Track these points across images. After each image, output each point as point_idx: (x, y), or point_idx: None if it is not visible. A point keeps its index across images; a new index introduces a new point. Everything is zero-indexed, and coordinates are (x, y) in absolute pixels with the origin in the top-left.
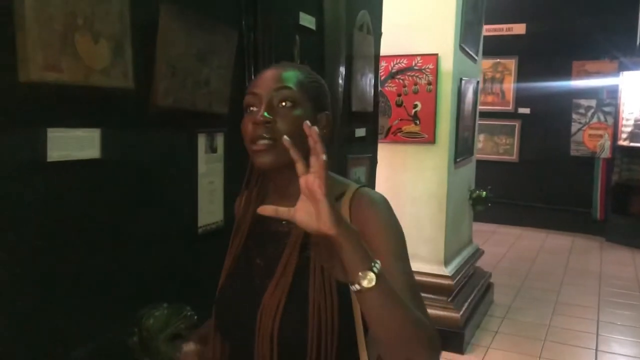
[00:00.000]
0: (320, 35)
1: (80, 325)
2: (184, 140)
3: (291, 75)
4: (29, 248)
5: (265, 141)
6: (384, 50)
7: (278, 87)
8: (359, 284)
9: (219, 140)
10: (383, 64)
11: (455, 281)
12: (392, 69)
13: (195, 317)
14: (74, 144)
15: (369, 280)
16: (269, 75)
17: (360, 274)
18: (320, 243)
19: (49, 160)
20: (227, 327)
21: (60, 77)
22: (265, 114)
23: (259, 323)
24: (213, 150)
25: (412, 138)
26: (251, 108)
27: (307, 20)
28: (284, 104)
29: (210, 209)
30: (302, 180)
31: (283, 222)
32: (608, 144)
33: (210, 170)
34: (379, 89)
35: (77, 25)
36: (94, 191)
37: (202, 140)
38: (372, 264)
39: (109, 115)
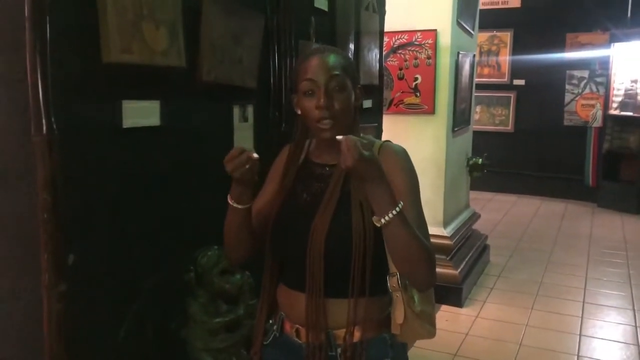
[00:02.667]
0: (332, 16)
1: (148, 262)
2: (222, 111)
3: (337, 63)
4: (110, 199)
5: (328, 121)
6: (387, 26)
7: (331, 75)
8: (385, 217)
9: (249, 110)
10: (385, 39)
11: (453, 241)
12: (393, 44)
13: None
14: (141, 113)
15: (390, 216)
16: (320, 63)
17: (388, 210)
18: (359, 183)
19: (124, 126)
20: (282, 247)
21: (132, 58)
22: (325, 99)
23: (311, 241)
24: (245, 119)
25: (413, 109)
26: (309, 92)
27: (321, 3)
28: (336, 89)
29: None
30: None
31: (326, 168)
32: (600, 113)
33: (242, 136)
34: (383, 63)
35: (144, 14)
36: (156, 152)
37: (236, 111)
38: (397, 204)
39: (166, 89)
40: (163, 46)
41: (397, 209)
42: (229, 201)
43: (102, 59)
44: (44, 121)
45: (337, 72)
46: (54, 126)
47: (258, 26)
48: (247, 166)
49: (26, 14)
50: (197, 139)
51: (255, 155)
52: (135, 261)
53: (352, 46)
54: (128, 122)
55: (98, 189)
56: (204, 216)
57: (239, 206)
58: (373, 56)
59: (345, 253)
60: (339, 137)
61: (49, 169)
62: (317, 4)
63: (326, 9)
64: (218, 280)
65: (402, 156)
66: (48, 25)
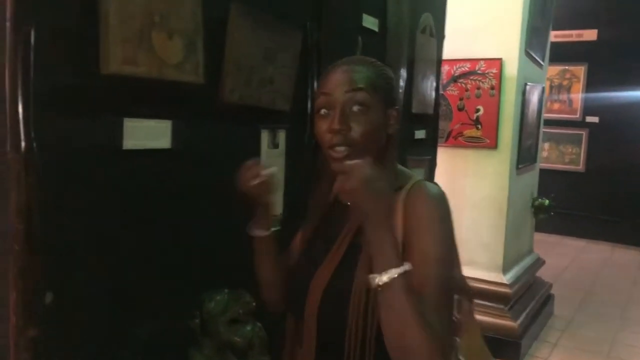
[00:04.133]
0: (382, 37)
1: (145, 304)
2: (248, 135)
3: (362, 75)
4: (101, 230)
5: (342, 148)
6: (447, 54)
7: (350, 89)
8: (382, 278)
9: (281, 136)
10: (445, 67)
11: (513, 290)
12: (454, 72)
13: (254, 304)
14: (147, 133)
15: (387, 277)
16: (340, 75)
17: (386, 267)
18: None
19: (124, 148)
20: (290, 301)
21: (137, 70)
22: (340, 120)
23: (307, 299)
24: (275, 145)
25: (474, 142)
26: (324, 110)
27: (370, 22)
28: (356, 108)
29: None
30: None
31: (344, 211)
32: None
33: (271, 164)
34: (440, 92)
35: (154, 22)
36: (164, 179)
37: (265, 136)
38: (401, 264)
39: (180, 108)
40: (177, 59)
41: (401, 270)
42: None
43: (100, 70)
44: (22, 137)
45: (360, 86)
46: (34, 144)
47: (294, 43)
48: (257, 180)
49: (7, 14)
50: (214, 165)
51: (270, 169)
52: (129, 303)
53: (404, 72)
54: (129, 143)
55: (86, 218)
56: (215, 254)
57: (255, 233)
58: (429, 84)
59: (341, 319)
60: (349, 162)
61: (23, 192)
62: (365, 23)
63: (376, 29)
64: (225, 330)
65: (436, 203)
66: (34, 27)
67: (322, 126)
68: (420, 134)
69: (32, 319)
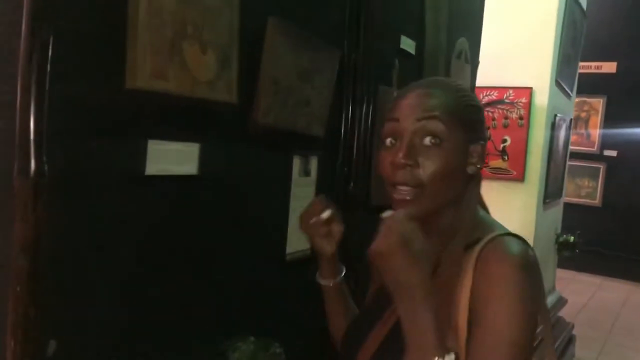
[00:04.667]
0: (419, 60)
1: (162, 353)
2: (279, 161)
3: (439, 101)
4: (116, 267)
5: (406, 189)
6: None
7: (423, 117)
8: None
9: (313, 163)
10: None
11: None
12: (481, 100)
13: (284, 357)
14: (172, 157)
15: None
16: (413, 99)
17: (425, 353)
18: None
19: (147, 173)
20: None
21: (166, 86)
22: (406, 154)
23: None
24: (306, 173)
25: (499, 174)
26: (390, 140)
27: (407, 44)
28: (428, 140)
29: (300, 235)
30: None
31: None
32: None
33: (302, 194)
34: None
35: (187, 33)
36: (188, 208)
37: (297, 163)
38: (446, 351)
39: (209, 130)
40: (209, 75)
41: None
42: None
43: (125, 84)
44: (32, 159)
45: (434, 114)
46: (45, 167)
47: (332, 64)
48: (314, 219)
49: (23, 16)
50: (244, 194)
51: (327, 213)
52: (146, 351)
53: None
54: (153, 168)
55: (101, 253)
56: (243, 295)
57: (320, 282)
58: None
59: None
60: (385, 215)
61: (31, 224)
62: (403, 45)
63: (413, 52)
64: None
65: (516, 264)
66: (52, 33)
67: (386, 158)
68: None
69: None
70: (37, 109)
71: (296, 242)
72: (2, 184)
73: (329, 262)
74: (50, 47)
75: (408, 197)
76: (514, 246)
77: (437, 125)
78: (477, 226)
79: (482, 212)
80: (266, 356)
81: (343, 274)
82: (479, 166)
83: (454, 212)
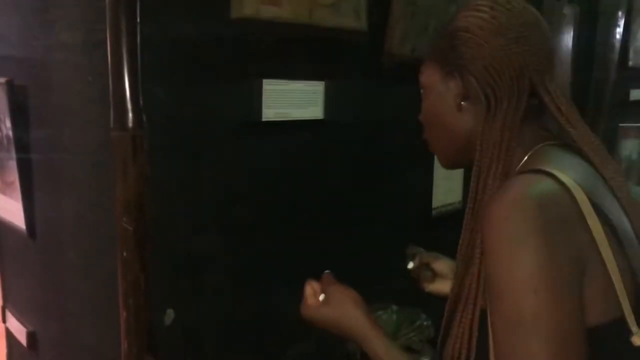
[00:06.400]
0: None
1: (292, 323)
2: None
3: (436, 44)
4: (235, 228)
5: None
6: None
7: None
8: None
9: None
10: None
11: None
12: None
13: (433, 330)
14: (293, 99)
15: None
16: None
17: None
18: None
19: (263, 119)
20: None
21: (280, 12)
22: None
23: None
24: None
25: None
26: None
27: None
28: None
29: (448, 187)
30: None
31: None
32: None
33: None
34: None
35: None
36: (314, 159)
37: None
38: None
39: (335, 64)
40: None
41: None
42: None
43: (230, 15)
44: (128, 108)
45: (424, 65)
46: (144, 117)
47: None
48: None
49: None
50: (379, 141)
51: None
52: (271, 322)
53: (621, 15)
54: (270, 112)
55: (213, 214)
56: (380, 258)
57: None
58: None
59: None
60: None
61: (132, 184)
62: None
63: None
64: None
65: (503, 205)
66: None
67: None
68: (636, 94)
69: (149, 344)
70: (130, 51)
71: (443, 195)
72: (100, 139)
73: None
74: None
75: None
76: (518, 183)
77: (425, 74)
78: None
79: (545, 150)
80: (412, 328)
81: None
82: (461, 102)
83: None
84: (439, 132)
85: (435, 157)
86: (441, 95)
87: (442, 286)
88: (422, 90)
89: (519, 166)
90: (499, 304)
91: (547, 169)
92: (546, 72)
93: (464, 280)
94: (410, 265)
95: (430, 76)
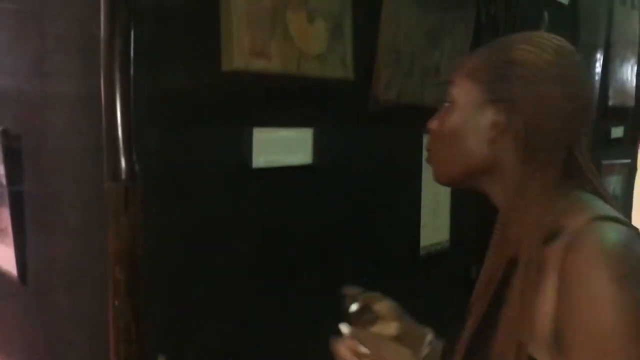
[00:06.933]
0: (573, 11)
1: (277, 346)
2: (407, 142)
3: (469, 62)
4: (227, 274)
5: (426, 154)
6: None
7: (449, 80)
8: None
9: None
10: None
11: None
12: None
13: None
14: (282, 146)
15: None
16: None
17: None
18: None
19: (254, 166)
20: None
21: (269, 65)
22: (435, 118)
23: None
24: None
25: None
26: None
27: None
28: (446, 102)
29: (435, 225)
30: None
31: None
32: None
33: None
34: None
35: (290, 0)
36: (303, 203)
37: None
38: None
39: (323, 112)
40: (320, 48)
41: None
42: None
43: (221, 67)
44: (121, 159)
45: (451, 79)
46: (137, 168)
47: (465, 23)
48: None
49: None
50: (367, 183)
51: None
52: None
53: (599, 54)
54: (260, 160)
55: (205, 260)
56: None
57: None
58: (629, 69)
59: None
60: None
61: (124, 233)
62: None
63: (565, 2)
64: None
65: (617, 260)
66: (133, 18)
67: None
68: (617, 131)
69: None
70: (123, 102)
71: (430, 234)
72: (93, 188)
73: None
74: (132, 31)
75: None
76: (613, 236)
77: (451, 90)
78: (565, 210)
79: (581, 195)
80: None
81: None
82: (496, 135)
83: (501, 185)
84: (452, 151)
85: (423, 196)
86: (473, 119)
87: (384, 328)
88: (447, 103)
89: (557, 210)
90: (594, 350)
91: (612, 215)
92: (585, 127)
93: (494, 321)
94: (354, 307)
95: (465, 95)
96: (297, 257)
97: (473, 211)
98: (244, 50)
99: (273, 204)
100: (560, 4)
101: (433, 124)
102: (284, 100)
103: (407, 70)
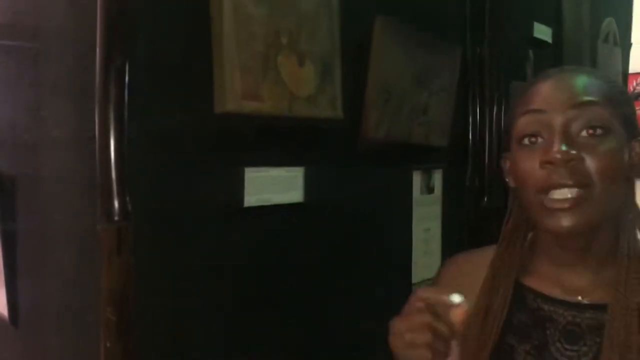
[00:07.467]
0: (558, 49)
1: None
2: (396, 180)
3: (596, 85)
4: (220, 315)
5: (568, 192)
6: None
7: (579, 102)
8: None
9: (437, 178)
10: None
11: None
12: (634, 89)
13: None
14: (274, 185)
15: None
16: (559, 83)
17: None
18: None
19: (246, 205)
20: None
21: (261, 106)
22: (564, 147)
23: None
24: (429, 190)
25: None
26: (531, 138)
27: (542, 32)
28: (587, 132)
29: (425, 262)
30: None
31: (563, 308)
32: None
33: (425, 214)
34: None
35: (281, 44)
36: (295, 241)
37: (417, 179)
38: None
39: (314, 151)
40: (309, 90)
41: None
42: None
43: (214, 109)
44: (114, 201)
45: (593, 99)
46: (129, 209)
47: (452, 63)
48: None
49: (97, 43)
50: (358, 220)
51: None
52: None
53: None
54: (252, 198)
55: (198, 302)
56: (360, 337)
57: None
58: None
59: None
60: (455, 299)
61: (116, 275)
62: (537, 34)
63: (549, 40)
64: None
65: None
66: (127, 62)
67: (529, 160)
68: None
69: None
70: (117, 144)
71: (422, 271)
72: (86, 229)
73: None
74: (126, 75)
75: (568, 204)
76: None
77: (599, 113)
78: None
79: None
80: None
81: None
82: (631, 172)
83: (614, 231)
84: (610, 187)
85: (414, 232)
86: (623, 152)
87: None
88: (592, 130)
89: None
90: None
91: None
92: None
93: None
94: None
95: (609, 120)
96: (288, 294)
97: (464, 247)
98: (236, 93)
99: (264, 243)
100: (544, 42)
101: (588, 156)
102: (275, 141)
103: (396, 110)
